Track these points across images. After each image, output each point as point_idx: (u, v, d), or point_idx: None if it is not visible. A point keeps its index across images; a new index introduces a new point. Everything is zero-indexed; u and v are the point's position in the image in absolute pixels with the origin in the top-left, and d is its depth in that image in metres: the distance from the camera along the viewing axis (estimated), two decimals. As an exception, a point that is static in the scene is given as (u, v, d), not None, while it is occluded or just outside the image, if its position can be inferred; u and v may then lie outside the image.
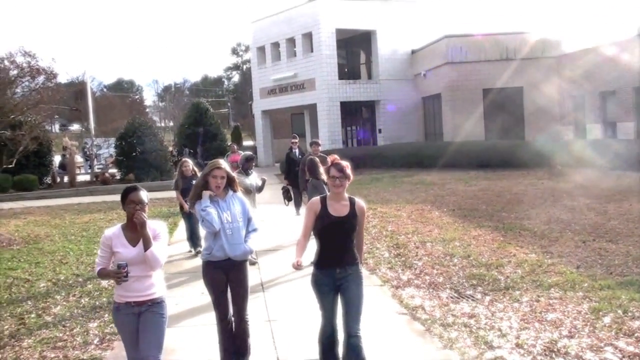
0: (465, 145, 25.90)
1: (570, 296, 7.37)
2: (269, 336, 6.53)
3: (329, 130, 32.10)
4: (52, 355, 6.15)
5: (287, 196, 12.72)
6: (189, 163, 11.07)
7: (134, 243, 4.44)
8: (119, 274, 4.30)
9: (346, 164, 4.98)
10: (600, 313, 6.64)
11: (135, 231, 4.43)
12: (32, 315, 7.56)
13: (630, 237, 10.31)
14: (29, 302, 8.18)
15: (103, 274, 4.50)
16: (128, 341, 4.52)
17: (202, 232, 9.19)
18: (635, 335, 5.92)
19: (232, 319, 5.44)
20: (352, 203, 4.99)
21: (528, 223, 12.23)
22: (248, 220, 5.39)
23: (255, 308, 6.98)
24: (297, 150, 15.37)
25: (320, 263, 4.98)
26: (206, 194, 5.20)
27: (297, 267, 4.80)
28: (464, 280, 8.44)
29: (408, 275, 8.92)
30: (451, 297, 7.71)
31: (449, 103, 29.80)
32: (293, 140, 15.86)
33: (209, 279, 5.33)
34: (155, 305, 4.52)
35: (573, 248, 9.89)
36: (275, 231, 12.56)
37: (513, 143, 25.81)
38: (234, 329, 5.41)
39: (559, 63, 28.34)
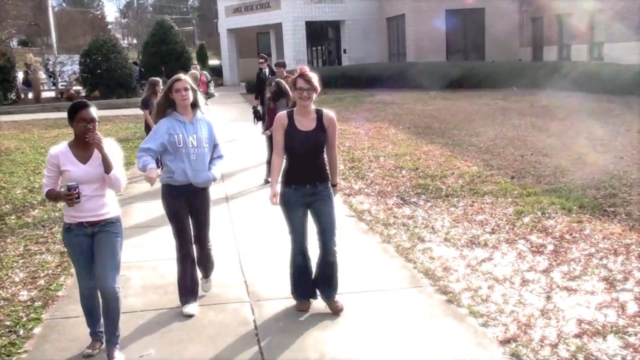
0: (427, 66, 26.50)
1: (500, 202, 8.28)
2: (232, 234, 7.34)
3: (294, 50, 32.27)
4: (36, 249, 6.89)
5: (257, 115, 13.22)
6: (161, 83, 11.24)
7: (83, 160, 4.15)
8: (70, 196, 4.01)
9: (313, 75, 4.70)
10: (522, 214, 7.57)
11: (84, 149, 4.15)
12: (12, 217, 8.23)
13: (564, 151, 11.26)
14: (8, 206, 8.84)
15: (52, 195, 4.21)
16: (81, 263, 4.29)
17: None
18: (547, 230, 6.88)
19: (193, 248, 5.18)
20: (319, 115, 4.79)
21: (476, 139, 13.11)
22: (214, 146, 5.08)
23: (218, 213, 7.75)
24: (267, 70, 15.76)
25: (289, 179, 4.79)
26: (152, 177, 4.79)
27: (274, 201, 4.70)
28: (410, 190, 9.29)
29: (360, 185, 9.74)
30: (396, 204, 8.57)
31: (413, 24, 30.14)
32: (260, 61, 16.24)
33: (168, 203, 5.03)
34: (109, 225, 4.26)
35: (511, 161, 10.81)
36: (242, 149, 13.20)
37: (472, 64, 26.53)
38: (196, 258, 5.20)
39: (521, -15, 28.77)
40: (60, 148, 4.20)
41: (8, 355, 4.45)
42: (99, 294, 4.29)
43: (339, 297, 5.06)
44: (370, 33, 33.57)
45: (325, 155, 4.93)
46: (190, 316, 5.02)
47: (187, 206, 5.01)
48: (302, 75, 4.69)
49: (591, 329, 4.48)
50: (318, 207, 4.81)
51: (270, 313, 5.06)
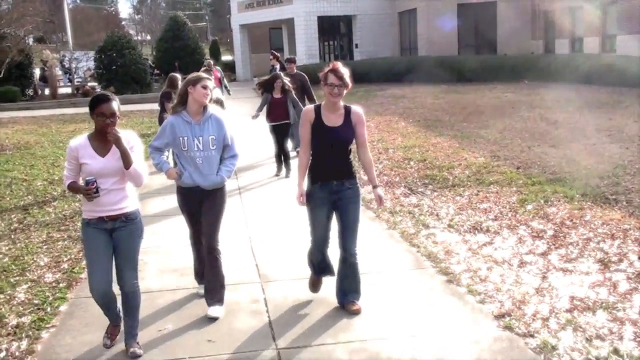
0: (438, 60, 26.64)
1: (505, 191, 8.51)
2: (244, 221, 7.65)
3: (306, 45, 32.53)
4: (58, 236, 7.24)
5: None
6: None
7: (102, 153, 4.10)
8: (89, 190, 3.98)
9: (345, 71, 4.54)
10: (525, 202, 7.80)
11: (104, 141, 4.09)
12: (35, 208, 8.60)
13: (571, 142, 11.45)
14: (29, 197, 9.21)
15: (74, 188, 4.18)
16: (95, 259, 4.20)
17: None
18: (548, 217, 7.12)
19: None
20: (347, 111, 4.66)
21: (484, 132, 13.31)
22: (226, 146, 4.88)
23: (230, 203, 8.03)
24: (278, 66, 16.06)
25: (315, 176, 4.70)
26: (172, 177, 4.89)
27: (300, 201, 4.65)
28: (417, 180, 9.54)
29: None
30: (403, 193, 8.84)
31: (424, 18, 30.28)
32: (271, 58, 16.55)
33: (180, 200, 5.07)
34: (130, 222, 4.23)
35: (518, 152, 11.02)
36: (254, 142, 13.46)
37: (484, 58, 26.65)
38: (204, 259, 5.02)
39: (533, -22, 28.79)
40: (80, 141, 4.15)
41: (38, 330, 4.79)
42: (120, 290, 4.30)
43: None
44: (381, 28, 33.73)
45: (362, 156, 4.77)
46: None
47: (199, 204, 4.91)
48: (334, 71, 4.55)
49: (582, 305, 4.74)
50: (344, 205, 4.70)
51: (279, 292, 5.36)
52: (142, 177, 4.17)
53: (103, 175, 4.07)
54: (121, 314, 4.44)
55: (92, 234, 4.19)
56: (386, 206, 8.08)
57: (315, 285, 5.17)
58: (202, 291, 5.26)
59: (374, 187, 4.76)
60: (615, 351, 4.05)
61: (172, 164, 5.24)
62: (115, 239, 4.21)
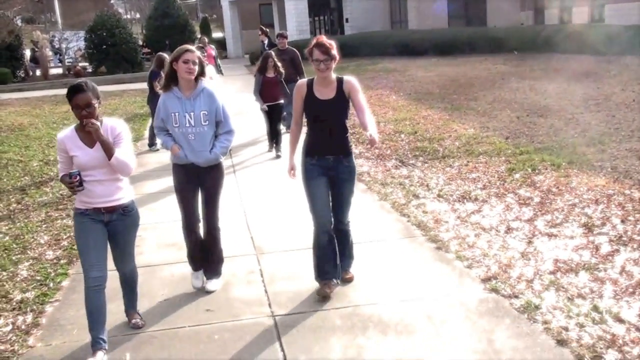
0: (428, 33, 26.65)
1: (494, 161, 8.68)
2: (238, 196, 7.81)
3: (296, 21, 32.41)
4: (56, 215, 7.39)
5: None
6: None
7: (91, 144, 3.92)
8: (72, 183, 3.81)
9: (330, 44, 4.44)
10: (513, 171, 7.98)
11: (90, 132, 3.90)
12: (32, 188, 8.72)
13: (559, 112, 11.61)
14: (26, 178, 9.33)
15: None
16: (91, 251, 4.02)
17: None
18: (535, 185, 7.30)
19: (199, 225, 5.00)
20: (339, 83, 4.56)
21: (474, 103, 13.46)
22: (219, 122, 4.75)
23: (226, 179, 8.19)
24: (266, 41, 16.05)
25: (311, 150, 4.65)
26: (175, 152, 4.75)
27: (291, 174, 4.68)
28: (408, 152, 9.70)
29: (360, 150, 10.14)
30: (394, 165, 9.00)
31: (414, -9, 30.25)
32: (259, 33, 16.53)
33: (175, 179, 4.91)
34: (127, 215, 4.13)
35: (507, 123, 11.18)
36: (247, 119, 13.56)
37: (474, 30, 26.67)
38: (203, 237, 5.01)
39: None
40: (67, 132, 3.99)
41: (41, 304, 4.96)
42: (117, 271, 4.36)
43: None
44: (372, 1, 33.62)
45: (362, 120, 4.44)
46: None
47: (195, 183, 4.84)
48: (319, 46, 4.43)
49: (565, 267, 4.95)
50: (340, 183, 4.67)
51: (274, 263, 5.55)
52: (128, 166, 3.99)
53: (93, 167, 3.92)
54: (106, 335, 4.13)
55: (87, 224, 4.03)
56: (377, 178, 8.24)
57: (324, 289, 4.71)
58: (197, 280, 5.09)
59: (366, 129, 4.36)
60: (595, 308, 4.26)
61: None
62: (112, 231, 4.11)
